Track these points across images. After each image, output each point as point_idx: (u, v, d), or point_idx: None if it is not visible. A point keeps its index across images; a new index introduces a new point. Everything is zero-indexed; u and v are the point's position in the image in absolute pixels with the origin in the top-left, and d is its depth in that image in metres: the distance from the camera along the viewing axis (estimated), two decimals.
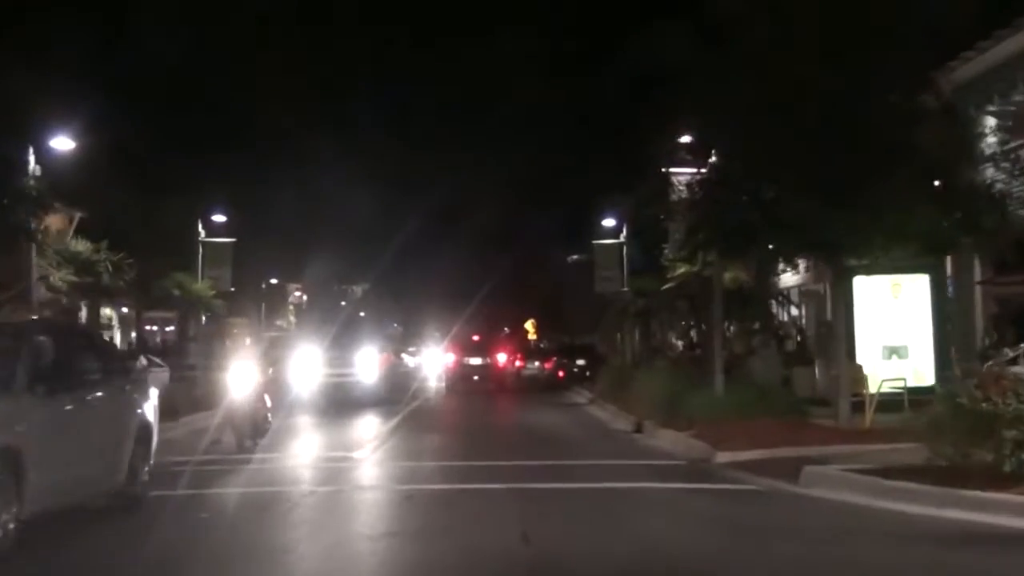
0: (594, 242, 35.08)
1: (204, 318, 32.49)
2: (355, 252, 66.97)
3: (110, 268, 24.27)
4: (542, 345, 62.02)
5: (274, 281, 53.93)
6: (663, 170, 18.83)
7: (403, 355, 79.92)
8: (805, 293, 30.77)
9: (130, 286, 26.13)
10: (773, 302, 28.08)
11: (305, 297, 66.12)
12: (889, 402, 16.18)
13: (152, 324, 44.39)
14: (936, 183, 13.86)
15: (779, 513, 9.98)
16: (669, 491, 11.35)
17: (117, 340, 33.46)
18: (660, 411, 18.43)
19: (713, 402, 17.51)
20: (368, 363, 27.36)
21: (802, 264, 16.68)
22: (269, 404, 16.68)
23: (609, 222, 34.64)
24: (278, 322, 58.39)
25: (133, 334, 34.20)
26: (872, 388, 16.14)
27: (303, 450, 16.79)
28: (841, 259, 14.73)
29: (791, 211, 13.44)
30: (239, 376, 15.82)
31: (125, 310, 37.19)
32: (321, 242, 54.46)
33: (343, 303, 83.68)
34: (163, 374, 27.23)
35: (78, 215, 43.71)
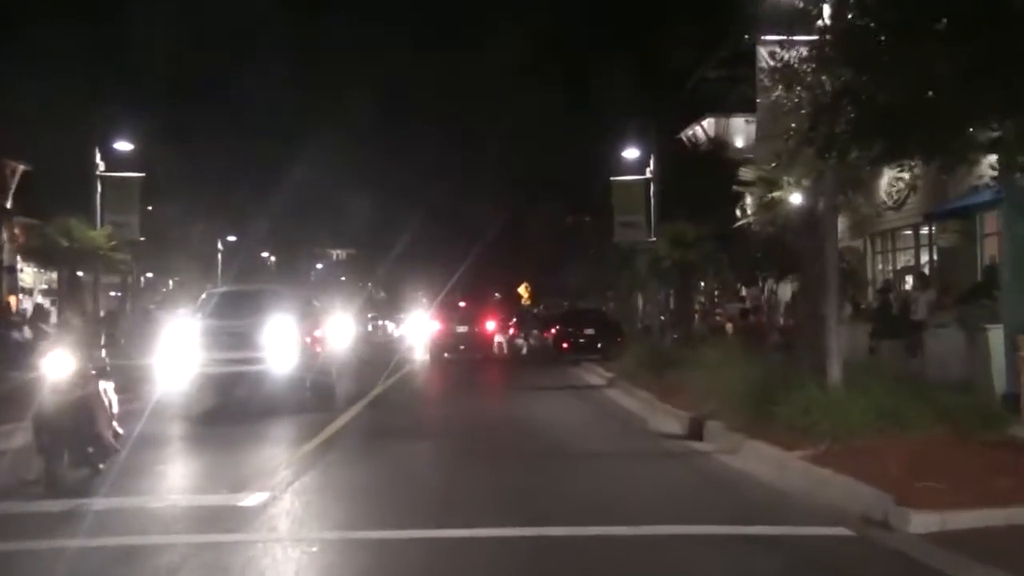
0: (612, 179, 27.10)
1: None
2: (339, 215, 61.84)
3: None
4: (536, 311, 56.25)
5: (233, 238, 47.43)
6: (747, 37, 11.97)
7: (387, 322, 74.38)
8: (842, 250, 24.58)
9: None
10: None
11: (273, 259, 59.54)
12: None
13: (115, 291, 38.99)
14: None
15: None
16: None
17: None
18: (732, 408, 12.12)
19: (834, 401, 10.81)
20: (283, 341, 16.24)
21: None
22: (115, 408, 10.58)
23: (631, 153, 27.01)
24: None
25: (31, 301, 27.34)
26: None
27: (163, 489, 10.04)
28: None
29: None
30: (55, 366, 9.87)
31: (80, 274, 31.53)
32: (301, 203, 49.37)
33: (319, 266, 77.37)
34: None
35: (21, 167, 37.36)
